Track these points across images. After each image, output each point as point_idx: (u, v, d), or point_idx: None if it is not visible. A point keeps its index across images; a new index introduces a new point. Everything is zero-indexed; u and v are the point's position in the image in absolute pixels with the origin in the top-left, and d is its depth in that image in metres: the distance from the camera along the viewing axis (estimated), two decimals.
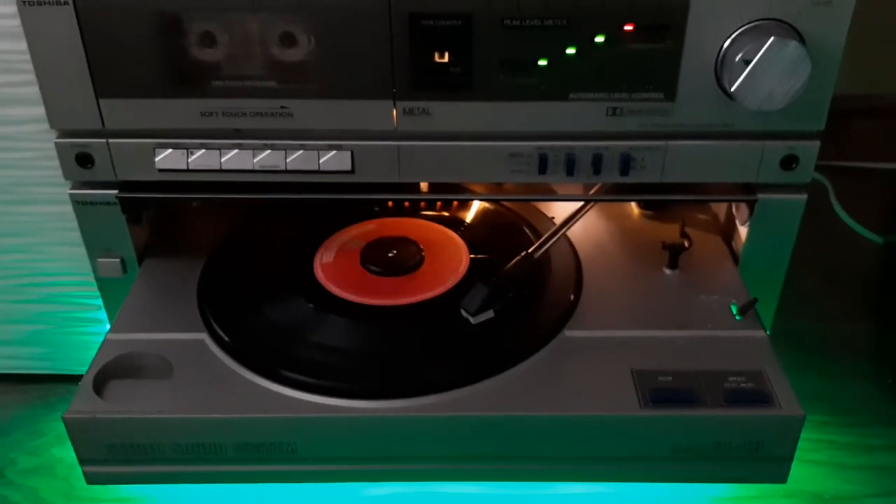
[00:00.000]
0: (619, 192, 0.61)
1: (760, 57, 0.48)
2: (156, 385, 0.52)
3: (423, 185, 0.62)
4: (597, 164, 0.55)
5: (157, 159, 0.55)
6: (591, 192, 0.62)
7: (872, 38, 0.91)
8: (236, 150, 0.54)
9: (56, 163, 0.55)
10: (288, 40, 0.51)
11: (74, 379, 0.52)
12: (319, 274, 0.60)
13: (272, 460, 0.50)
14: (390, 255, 0.62)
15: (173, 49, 0.51)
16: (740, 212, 0.61)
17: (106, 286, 0.61)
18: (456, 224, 0.66)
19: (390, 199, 0.66)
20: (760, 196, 0.57)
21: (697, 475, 0.52)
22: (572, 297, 0.58)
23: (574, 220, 0.62)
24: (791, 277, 0.61)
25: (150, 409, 0.50)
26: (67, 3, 0.50)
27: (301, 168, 0.55)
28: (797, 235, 0.58)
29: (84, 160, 0.55)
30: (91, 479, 0.52)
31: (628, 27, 0.50)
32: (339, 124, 0.54)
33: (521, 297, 0.57)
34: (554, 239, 0.60)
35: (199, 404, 0.50)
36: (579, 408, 0.50)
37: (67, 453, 0.51)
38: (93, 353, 0.53)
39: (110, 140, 0.55)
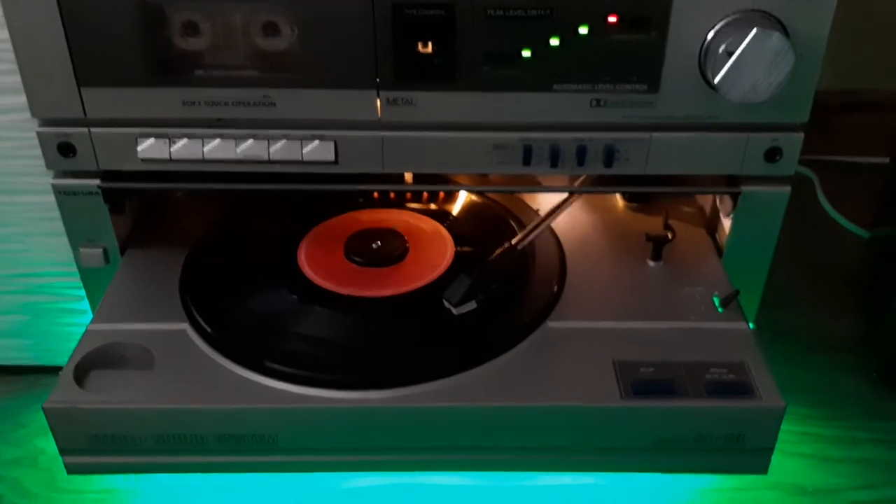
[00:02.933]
0: (604, 183, 0.61)
1: (744, 48, 0.48)
2: (137, 375, 0.51)
3: (408, 176, 0.62)
4: (581, 155, 0.55)
5: (139, 149, 0.54)
6: (576, 183, 0.62)
7: (860, 33, 0.91)
8: (219, 140, 0.54)
9: (38, 152, 0.55)
10: (271, 29, 0.51)
11: (58, 370, 0.51)
12: (303, 264, 0.60)
13: (254, 451, 0.50)
14: (374, 246, 0.61)
15: (155, 38, 0.51)
16: (724, 204, 0.61)
17: (88, 276, 0.61)
18: (440, 215, 0.66)
19: (374, 189, 0.66)
20: (744, 188, 0.57)
21: (679, 466, 0.52)
22: (556, 288, 0.58)
23: (558, 211, 0.62)
24: (777, 271, 0.61)
25: (131, 400, 0.49)
26: None
27: (284, 158, 0.55)
28: (783, 229, 0.58)
29: (66, 150, 0.55)
30: (72, 470, 0.51)
31: (612, 18, 0.50)
32: (322, 114, 0.53)
33: (504, 288, 0.57)
34: (538, 230, 0.60)
35: (181, 395, 0.50)
36: (561, 398, 0.50)
37: (50, 444, 0.51)
38: (76, 343, 0.53)
39: (92, 129, 0.54)
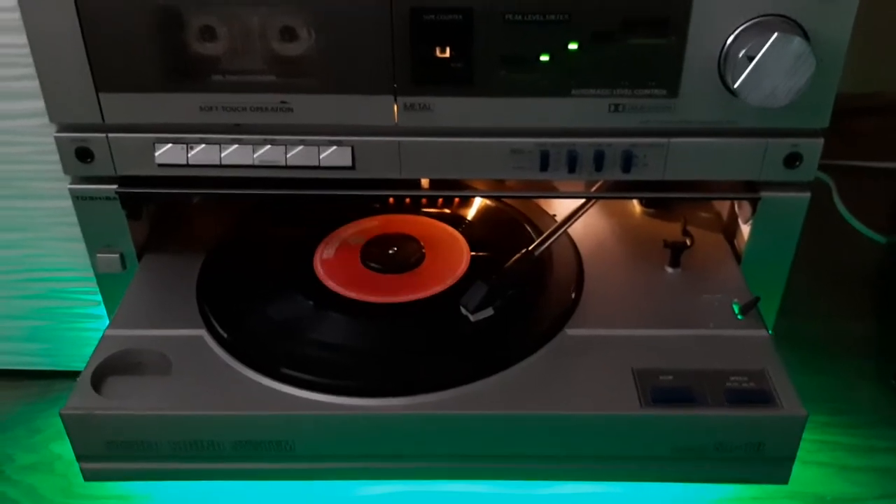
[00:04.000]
0: (621, 189, 0.60)
1: (764, 53, 0.47)
2: (154, 381, 0.51)
3: (424, 182, 0.61)
4: (598, 160, 0.55)
5: (156, 154, 0.54)
6: (593, 189, 0.62)
7: (878, 37, 0.91)
8: (236, 146, 0.54)
9: (56, 157, 0.55)
10: (288, 34, 0.51)
11: (74, 375, 0.51)
12: (319, 271, 0.60)
13: (270, 458, 0.50)
14: (391, 252, 0.61)
15: (173, 43, 0.51)
16: (743, 210, 0.60)
17: (105, 282, 0.61)
18: (457, 221, 0.65)
19: (391, 195, 0.66)
20: (763, 194, 0.56)
21: (699, 475, 0.52)
22: (573, 294, 0.58)
23: (575, 217, 0.61)
24: (795, 277, 0.60)
25: (148, 406, 0.49)
26: None
27: (301, 164, 0.54)
28: (800, 234, 0.58)
29: (84, 155, 0.55)
30: (88, 476, 0.51)
31: (631, 22, 0.50)
32: (339, 119, 0.53)
33: (521, 294, 0.57)
34: (555, 236, 0.60)
35: (198, 401, 0.50)
36: (580, 407, 0.49)
37: (66, 450, 0.51)
38: (92, 349, 0.53)
39: (110, 134, 0.54)
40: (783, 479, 0.51)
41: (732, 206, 0.63)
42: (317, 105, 0.53)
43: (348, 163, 0.55)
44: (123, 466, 0.51)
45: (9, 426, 0.65)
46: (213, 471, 0.51)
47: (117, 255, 0.60)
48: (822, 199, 0.91)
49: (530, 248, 0.59)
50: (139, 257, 0.61)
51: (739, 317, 0.56)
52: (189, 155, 0.54)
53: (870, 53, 0.90)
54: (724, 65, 0.50)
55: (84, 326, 0.65)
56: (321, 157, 0.54)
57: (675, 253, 0.60)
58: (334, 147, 0.54)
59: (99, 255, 0.60)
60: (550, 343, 0.54)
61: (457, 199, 0.68)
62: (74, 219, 0.58)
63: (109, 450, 0.50)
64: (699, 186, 0.58)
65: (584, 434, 0.50)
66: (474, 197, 0.68)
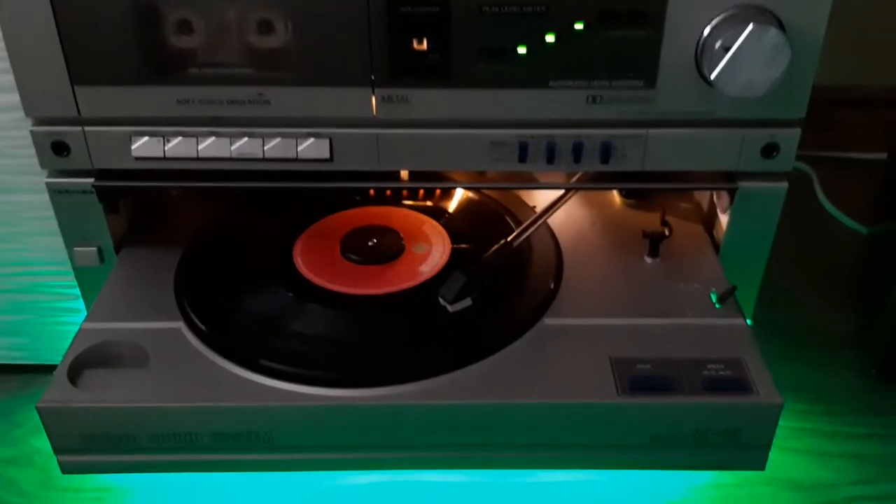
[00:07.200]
0: (601, 180, 0.61)
1: (740, 44, 0.48)
2: (131, 374, 0.51)
3: (404, 174, 0.61)
4: (577, 152, 0.55)
5: (133, 147, 0.54)
6: (572, 180, 0.62)
7: (858, 28, 0.91)
8: (213, 138, 0.54)
9: (32, 151, 0.55)
10: (265, 27, 0.51)
11: (52, 369, 0.51)
12: (299, 263, 0.60)
13: (249, 449, 0.50)
14: (370, 243, 0.61)
15: (149, 36, 0.51)
16: (721, 200, 0.61)
17: (83, 275, 0.61)
18: (436, 213, 0.65)
19: (370, 187, 0.66)
20: (741, 184, 0.56)
21: (676, 462, 0.52)
22: (552, 284, 0.58)
23: (555, 208, 0.62)
24: (775, 267, 0.61)
25: (125, 399, 0.49)
26: None
27: (279, 156, 0.54)
28: (781, 225, 0.58)
29: (60, 148, 0.55)
30: (66, 469, 0.51)
31: (608, 14, 0.50)
32: (317, 111, 0.53)
33: (500, 284, 0.57)
34: (534, 227, 0.60)
35: (175, 393, 0.50)
36: (557, 395, 0.50)
37: (45, 443, 0.51)
38: (70, 342, 0.53)
39: (86, 128, 0.54)
40: (760, 465, 0.52)
41: (711, 197, 0.63)
42: (294, 97, 0.53)
43: (326, 155, 0.55)
44: (102, 459, 0.51)
45: None
46: (193, 462, 0.51)
47: (95, 249, 0.59)
48: (803, 190, 0.92)
49: (509, 238, 0.59)
50: (117, 251, 0.60)
51: (717, 306, 0.56)
52: (166, 148, 0.54)
53: (853, 46, 0.91)
54: (701, 56, 0.50)
55: (63, 320, 0.64)
56: (299, 149, 0.54)
57: (654, 243, 0.60)
58: (312, 139, 0.54)
59: (76, 248, 0.59)
60: (529, 333, 0.54)
61: (437, 191, 0.68)
62: (52, 212, 0.58)
63: (87, 443, 0.50)
64: (678, 177, 0.58)
65: (561, 423, 0.50)
66: (454, 188, 0.68)
